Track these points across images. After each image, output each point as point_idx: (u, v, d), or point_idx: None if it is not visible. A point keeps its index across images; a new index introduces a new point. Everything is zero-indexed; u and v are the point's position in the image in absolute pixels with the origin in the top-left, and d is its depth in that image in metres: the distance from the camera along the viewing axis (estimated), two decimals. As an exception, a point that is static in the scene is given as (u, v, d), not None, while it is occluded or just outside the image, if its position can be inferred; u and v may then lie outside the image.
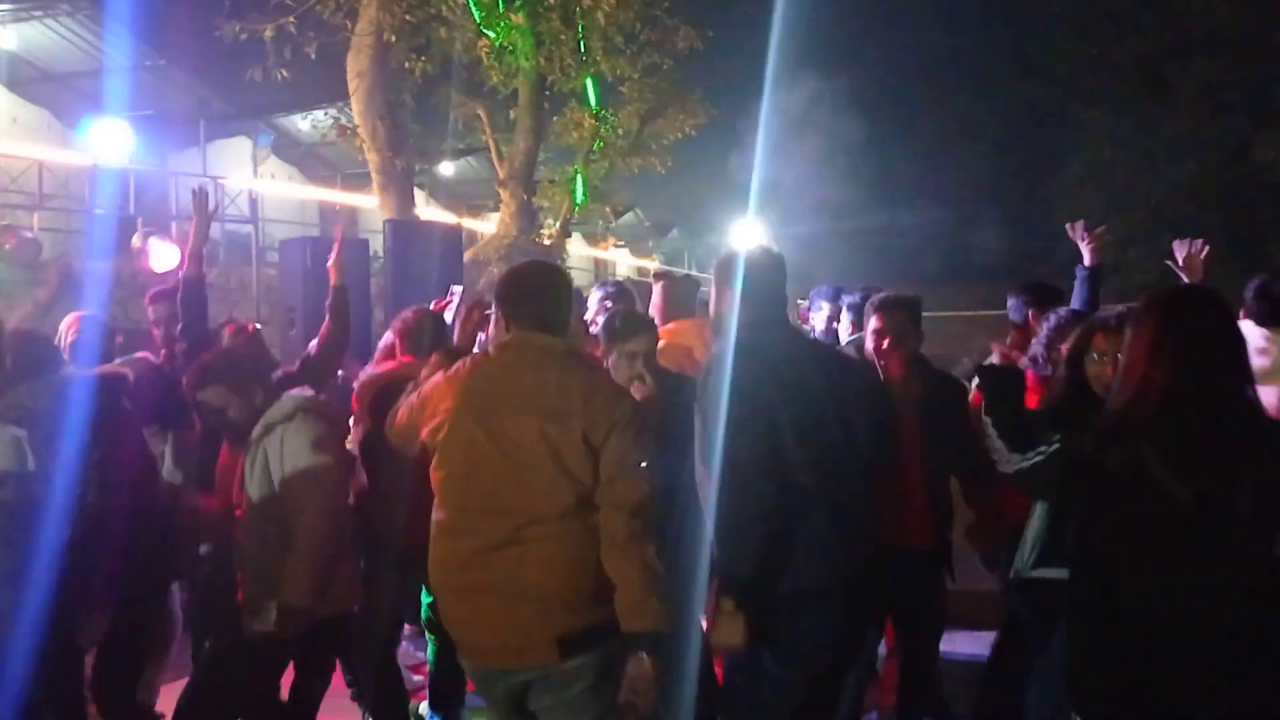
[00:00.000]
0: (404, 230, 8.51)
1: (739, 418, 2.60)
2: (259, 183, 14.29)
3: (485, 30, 12.00)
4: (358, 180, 19.68)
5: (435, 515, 2.67)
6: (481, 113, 13.71)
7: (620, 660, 2.46)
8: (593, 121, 14.06)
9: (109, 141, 8.60)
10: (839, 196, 20.56)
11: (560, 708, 2.56)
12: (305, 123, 17.18)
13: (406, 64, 11.53)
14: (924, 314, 3.75)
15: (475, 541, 2.57)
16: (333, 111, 16.66)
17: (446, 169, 20.22)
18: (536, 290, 2.74)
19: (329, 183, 19.34)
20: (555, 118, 13.97)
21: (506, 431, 2.57)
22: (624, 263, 28.58)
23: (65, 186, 11.92)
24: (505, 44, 12.28)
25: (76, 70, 14.01)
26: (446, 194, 21.28)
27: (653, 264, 30.76)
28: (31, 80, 13.84)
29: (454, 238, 8.76)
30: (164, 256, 8.69)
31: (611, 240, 26.61)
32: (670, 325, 4.40)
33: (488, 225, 22.81)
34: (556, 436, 2.54)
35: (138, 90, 14.09)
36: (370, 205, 18.57)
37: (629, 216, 28.15)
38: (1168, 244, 4.36)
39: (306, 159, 18.48)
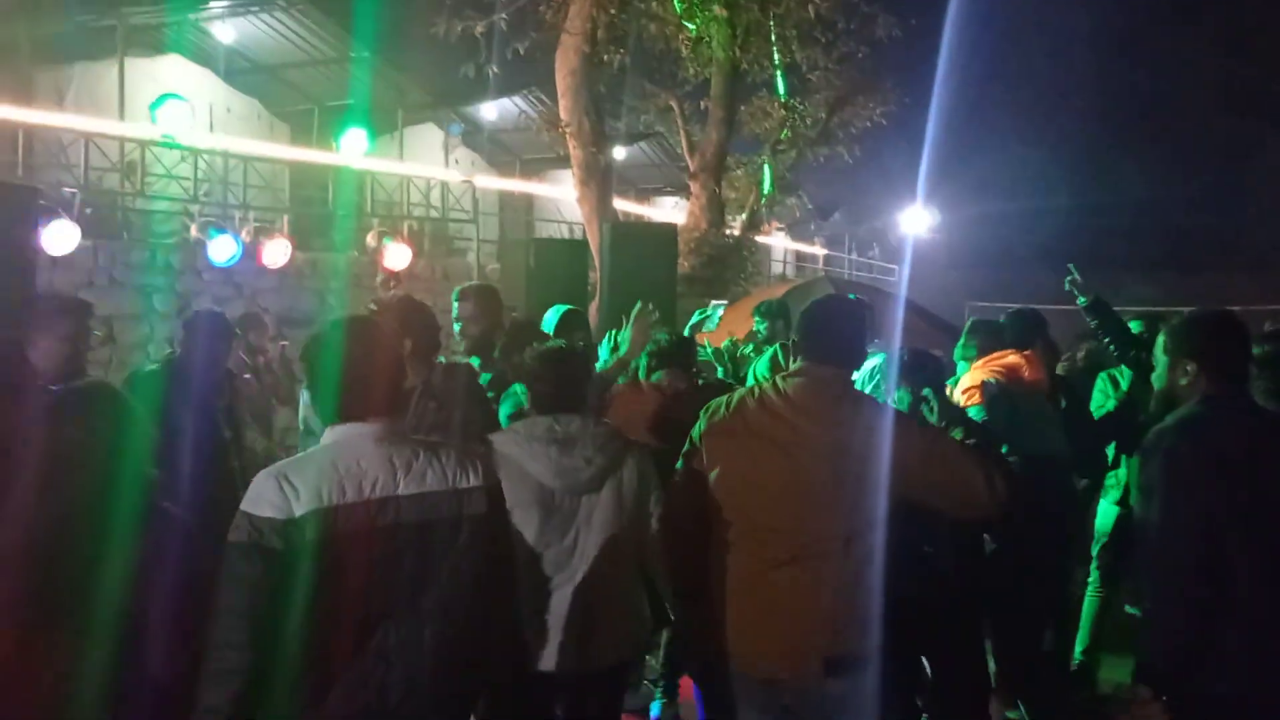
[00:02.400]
0: (623, 232, 8.55)
1: (1173, 512, 2.49)
2: (452, 173, 14.57)
3: (686, 22, 11.97)
4: (536, 166, 20.03)
5: (721, 533, 2.87)
6: (674, 104, 13.66)
7: None
8: (782, 110, 13.91)
9: (353, 147, 8.93)
10: (1029, 175, 19.85)
11: None
12: (490, 110, 17.49)
13: (605, 57, 11.61)
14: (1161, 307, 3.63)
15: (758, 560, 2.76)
16: (519, 100, 17.01)
17: (618, 153, 20.39)
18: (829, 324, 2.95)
19: (509, 168, 19.69)
20: (743, 107, 13.86)
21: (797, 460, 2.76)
22: (782, 247, 28.29)
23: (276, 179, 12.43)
24: (702, 35, 12.24)
25: (285, 62, 14.56)
26: (617, 178, 21.46)
27: (815, 249, 30.37)
28: (243, 72, 14.46)
29: (669, 238, 8.74)
30: (398, 256, 9.06)
31: (773, 224, 26.41)
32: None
33: (657, 211, 22.98)
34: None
35: (340, 80, 14.61)
36: (548, 193, 18.93)
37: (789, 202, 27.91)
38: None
39: (489, 145, 18.83)
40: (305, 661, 2.31)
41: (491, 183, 17.16)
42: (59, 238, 6.37)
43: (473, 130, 18.22)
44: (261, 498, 2.34)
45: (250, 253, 8.08)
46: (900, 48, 14.13)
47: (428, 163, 15.82)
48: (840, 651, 2.72)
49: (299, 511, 2.32)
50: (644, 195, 22.94)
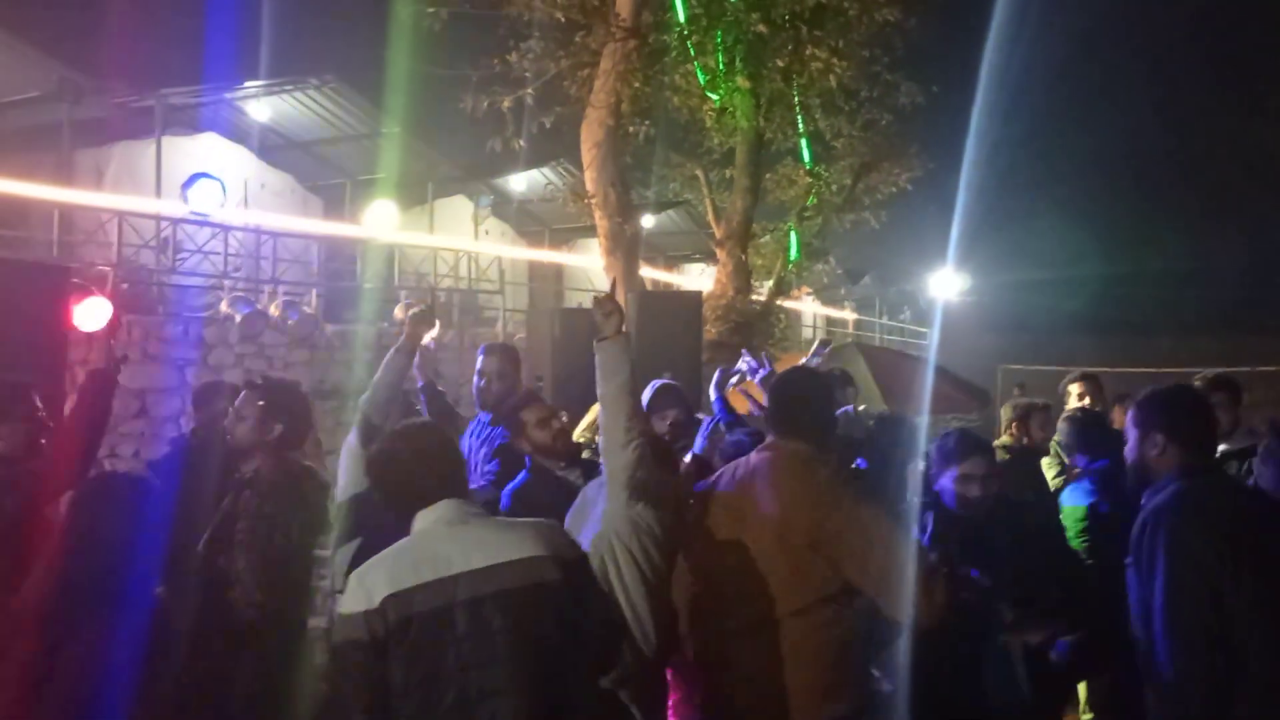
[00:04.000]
0: (650, 300, 8.59)
1: (1182, 588, 2.49)
2: (481, 245, 14.77)
3: (709, 93, 12.13)
4: (565, 235, 20.25)
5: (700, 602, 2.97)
6: (699, 172, 13.81)
7: None
8: (807, 178, 14.00)
9: (380, 220, 9.10)
10: (1062, 241, 19.82)
11: None
12: (519, 181, 17.73)
13: (630, 129, 11.77)
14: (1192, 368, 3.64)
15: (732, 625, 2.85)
16: (547, 171, 17.24)
17: (647, 222, 20.56)
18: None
19: (538, 238, 19.91)
20: (768, 175, 13.97)
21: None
22: (811, 312, 28.29)
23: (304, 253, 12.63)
24: (726, 105, 12.39)
25: (318, 138, 14.88)
26: (645, 245, 21.62)
27: (845, 314, 30.35)
28: (277, 148, 14.79)
29: (695, 305, 8.77)
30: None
31: (802, 290, 26.46)
32: None
33: (684, 278, 23.12)
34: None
35: (372, 155, 14.90)
36: (577, 262, 19.11)
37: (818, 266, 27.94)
38: None
39: (518, 215, 19.07)
40: None
41: (519, 253, 17.36)
42: (92, 314, 6.47)
43: (502, 201, 18.48)
44: (348, 597, 2.51)
45: (280, 327, 8.18)
46: (924, 114, 14.26)
47: (458, 234, 16.04)
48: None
49: (378, 599, 2.45)
50: (672, 262, 23.09)
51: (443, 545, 2.54)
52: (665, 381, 4.54)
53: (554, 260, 18.46)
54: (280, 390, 3.78)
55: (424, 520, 2.61)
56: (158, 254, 10.36)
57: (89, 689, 2.68)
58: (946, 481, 3.33)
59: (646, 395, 4.53)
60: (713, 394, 4.63)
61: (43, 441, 3.59)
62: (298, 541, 3.51)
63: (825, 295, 29.24)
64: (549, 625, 2.52)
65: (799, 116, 13.33)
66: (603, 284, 17.32)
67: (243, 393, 3.70)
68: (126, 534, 2.86)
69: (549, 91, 10.78)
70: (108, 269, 7.16)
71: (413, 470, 2.64)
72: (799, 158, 14.11)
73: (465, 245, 14.58)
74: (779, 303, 14.53)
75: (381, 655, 2.42)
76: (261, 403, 3.63)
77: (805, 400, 3.03)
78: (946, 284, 26.75)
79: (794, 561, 2.76)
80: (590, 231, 18.08)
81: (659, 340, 7.99)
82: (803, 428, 2.95)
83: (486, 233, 18.24)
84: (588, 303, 5.09)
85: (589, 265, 17.91)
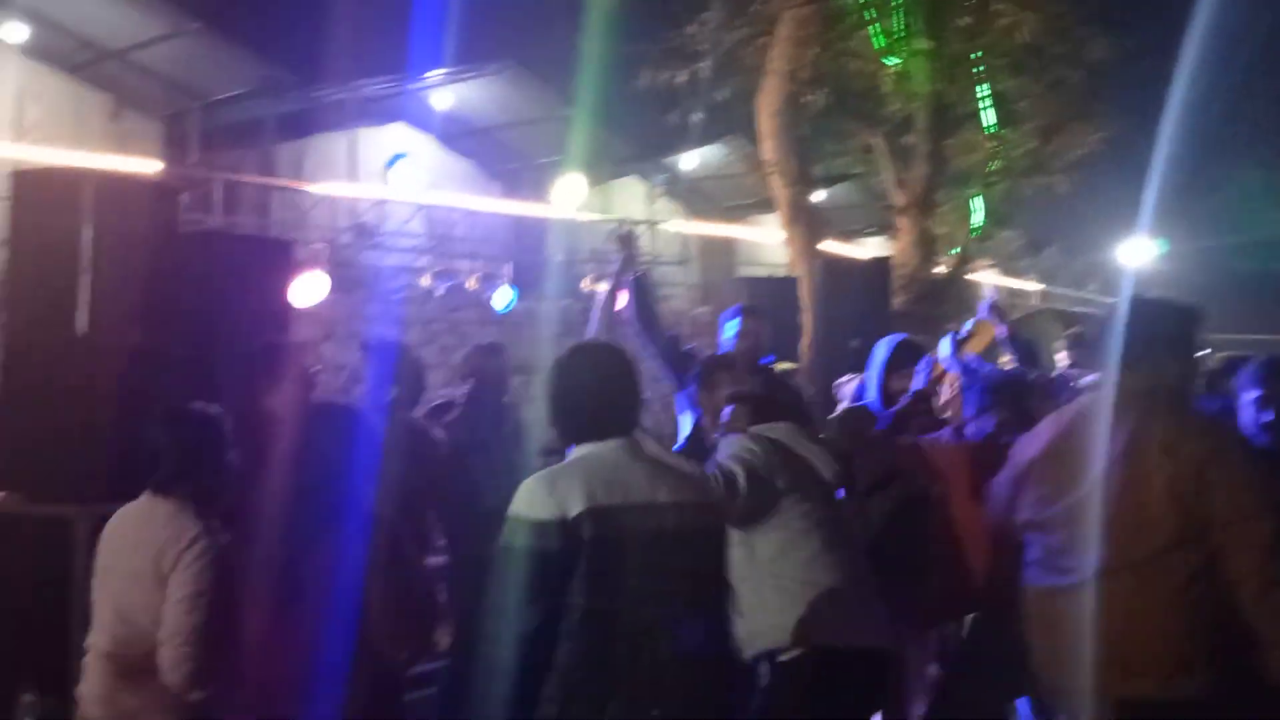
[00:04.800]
0: (837, 268, 8.47)
1: None
2: (663, 220, 14.92)
3: (887, 58, 11.84)
4: (735, 213, 20.15)
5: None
6: (877, 141, 13.49)
7: None
8: (990, 142, 13.48)
9: (569, 194, 9.34)
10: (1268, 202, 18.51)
11: None
12: (690, 160, 17.74)
13: (806, 98, 11.60)
14: None
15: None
16: (718, 148, 17.18)
17: (818, 196, 20.26)
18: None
19: (709, 216, 19.89)
20: (949, 140, 13.52)
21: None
22: (993, 283, 27.25)
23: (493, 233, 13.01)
24: (904, 70, 12.06)
25: (496, 123, 15.25)
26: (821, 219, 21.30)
27: (1029, 285, 29.13)
28: (459, 135, 15.23)
29: (883, 272, 8.60)
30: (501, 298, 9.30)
31: (983, 262, 25.53)
32: None
33: (861, 251, 22.65)
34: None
35: (548, 138, 15.17)
36: (751, 236, 19.03)
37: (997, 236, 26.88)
38: None
39: (689, 194, 19.10)
40: (585, 667, 2.40)
41: (699, 227, 17.44)
42: (311, 289, 6.87)
43: (674, 180, 18.53)
44: (535, 501, 2.46)
45: (476, 300, 8.49)
46: (1118, 69, 13.50)
47: (631, 214, 16.20)
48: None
49: (574, 511, 2.40)
50: (846, 236, 22.66)
51: (627, 473, 2.51)
52: (905, 338, 4.55)
53: (727, 236, 18.43)
54: (394, 353, 3.91)
55: (603, 447, 2.57)
56: (357, 236, 10.86)
57: (325, 605, 2.82)
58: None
59: (884, 353, 4.50)
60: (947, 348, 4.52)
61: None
62: (409, 501, 3.65)
63: (1007, 267, 28.16)
64: (715, 571, 2.56)
65: (981, 78, 12.86)
66: (774, 259, 17.20)
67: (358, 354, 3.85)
68: (349, 454, 2.98)
69: (725, 65, 10.76)
70: (323, 245, 7.58)
71: (597, 396, 2.61)
72: (981, 121, 13.62)
73: (648, 220, 14.72)
74: (963, 273, 14.09)
75: (565, 567, 2.38)
76: (375, 366, 3.75)
77: (1167, 329, 2.89)
78: (1138, 251, 25.31)
79: (1148, 505, 2.62)
80: (761, 208, 17.98)
81: (845, 308, 7.88)
82: (1162, 360, 2.81)
83: (659, 212, 18.34)
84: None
85: (761, 240, 17.86)
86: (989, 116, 13.47)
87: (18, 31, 10.05)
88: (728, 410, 3.50)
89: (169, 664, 3.03)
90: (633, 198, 17.26)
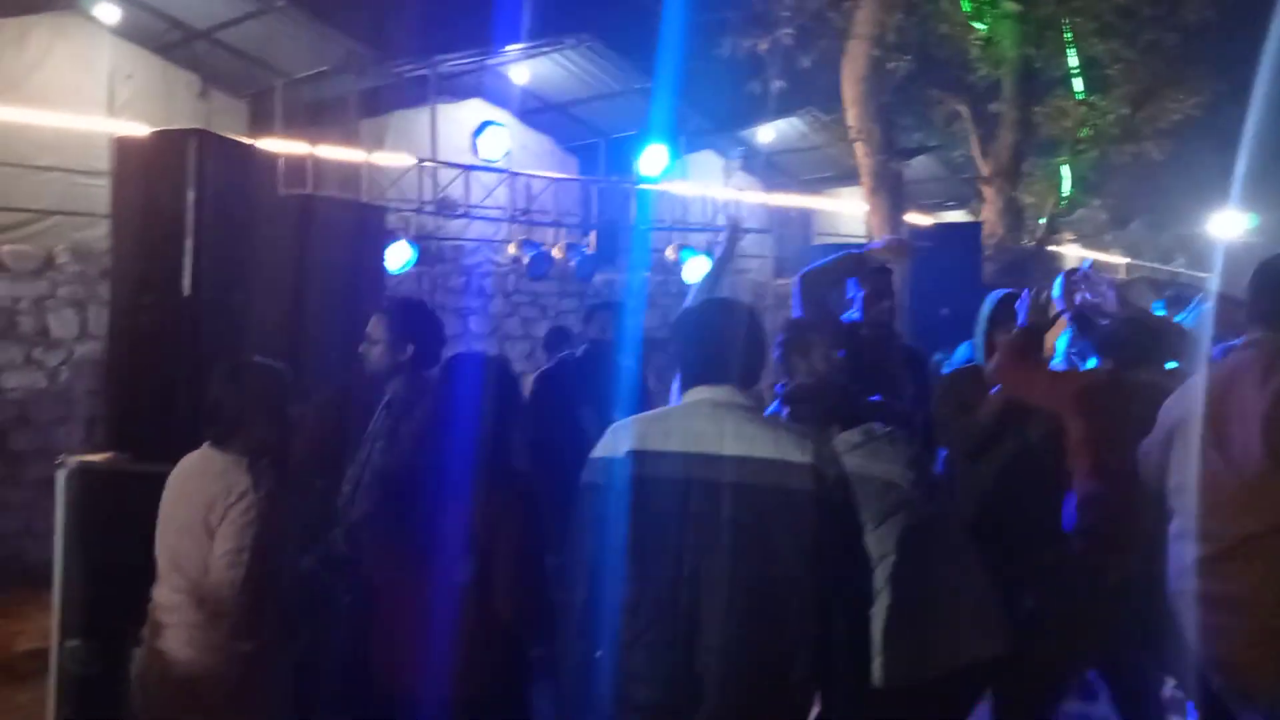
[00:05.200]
0: (925, 232, 8.29)
1: None
2: (735, 194, 14.79)
3: (974, 23, 11.56)
4: (812, 186, 19.90)
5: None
6: (962, 108, 13.19)
7: None
8: (1080, 108, 13.11)
9: (653, 163, 9.28)
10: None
11: None
12: (766, 133, 17.55)
13: (891, 65, 11.37)
14: None
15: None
16: (796, 120, 16.96)
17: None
18: None
19: (785, 189, 19.68)
20: (1037, 107, 13.17)
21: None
22: (1076, 257, 26.59)
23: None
24: (991, 35, 11.77)
25: (573, 98, 15.21)
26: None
27: (1113, 259, 28.37)
28: (535, 110, 15.23)
29: (973, 237, 8.41)
30: (696, 269, 9.22)
31: (1067, 235, 24.95)
32: None
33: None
34: None
35: (624, 112, 15.10)
36: (829, 207, 18.79)
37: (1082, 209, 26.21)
38: None
39: (765, 168, 18.90)
40: (609, 608, 2.44)
41: (777, 199, 17.28)
42: (398, 257, 6.90)
43: (750, 154, 18.35)
44: (602, 441, 2.61)
45: (562, 270, 8.47)
46: (1216, 31, 13.00)
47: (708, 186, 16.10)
48: None
49: (622, 451, 2.51)
50: (925, 210, 22.29)
51: (700, 423, 2.52)
52: (1008, 292, 4.39)
53: (803, 208, 18.23)
54: (409, 311, 3.86)
55: (695, 395, 2.59)
56: (439, 208, 10.92)
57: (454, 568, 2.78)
58: None
59: (988, 308, 4.37)
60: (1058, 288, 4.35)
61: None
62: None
63: (1090, 242, 27.46)
64: (783, 534, 2.39)
65: (1071, 42, 12.50)
66: (851, 230, 16.94)
67: (373, 318, 3.81)
68: (491, 405, 2.91)
69: (808, 30, 10.58)
70: (412, 211, 7.60)
71: (707, 343, 2.63)
72: (1071, 87, 13.24)
73: (726, 194, 14.62)
74: (1049, 245, 13.75)
75: (610, 503, 2.47)
76: (391, 325, 3.74)
77: None
78: (1229, 224, 24.47)
79: None
80: (838, 181, 17.75)
81: (936, 274, 7.72)
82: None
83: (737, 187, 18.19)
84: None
85: (839, 210, 17.66)
86: (1079, 82, 13.12)
87: (110, 13, 10.26)
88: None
89: (214, 615, 3.07)
90: (709, 172, 17.12)
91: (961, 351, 4.69)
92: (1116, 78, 13.32)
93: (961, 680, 3.10)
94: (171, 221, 4.11)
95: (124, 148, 4.51)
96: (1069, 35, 12.28)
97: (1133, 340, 3.74)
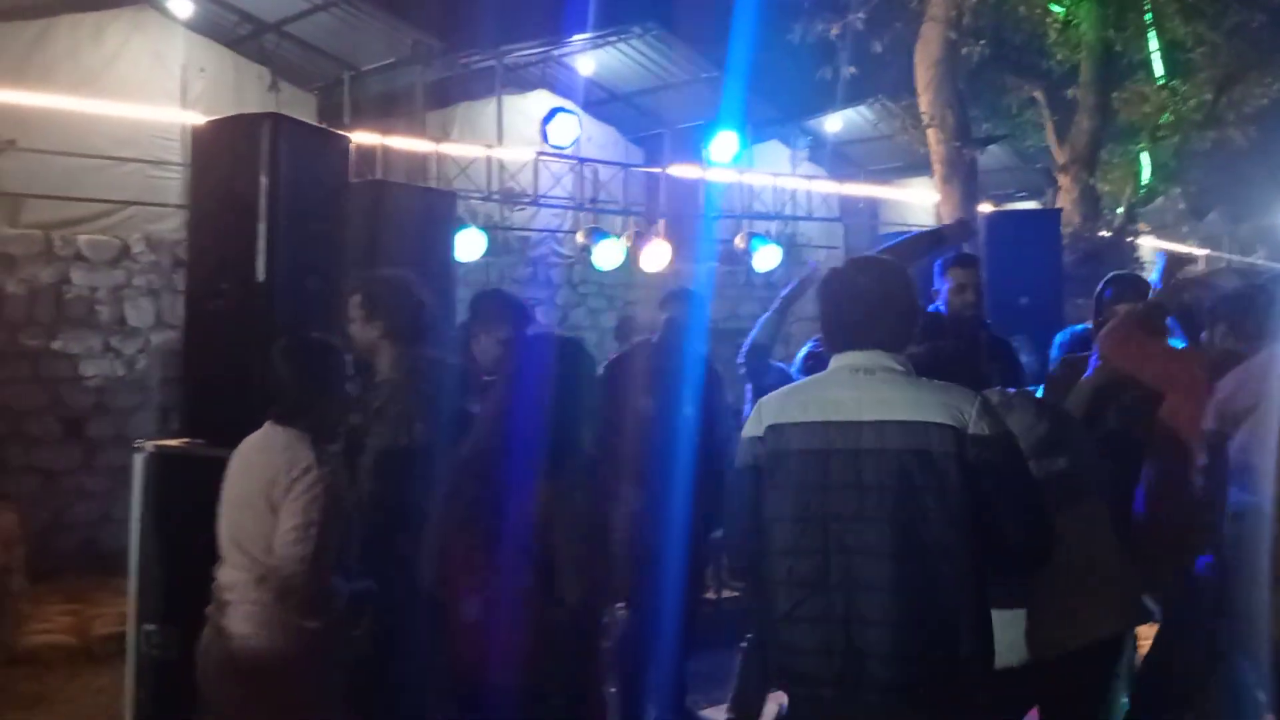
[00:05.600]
0: (1002, 221, 8.09)
1: None
2: (802, 183, 14.61)
3: (1052, 5, 11.26)
4: (879, 176, 19.60)
5: None
6: (1038, 94, 12.87)
7: None
8: (1161, 93, 12.71)
9: (722, 151, 9.18)
10: None
11: None
12: (833, 122, 17.30)
13: (966, 49, 11.12)
14: None
15: None
16: (864, 110, 16.70)
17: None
18: None
19: (852, 180, 19.41)
20: (1116, 92, 12.81)
21: None
22: (1150, 248, 25.92)
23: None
24: (1070, 17, 11.46)
25: (638, 89, 15.12)
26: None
27: (1190, 250, 27.57)
28: (600, 102, 15.16)
29: (1052, 224, 8.16)
30: (767, 258, 9.09)
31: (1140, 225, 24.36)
32: None
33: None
34: None
35: (689, 103, 14.97)
36: (898, 197, 18.49)
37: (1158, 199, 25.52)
38: None
39: (832, 158, 18.65)
40: (771, 582, 2.47)
41: (846, 189, 17.07)
42: (469, 245, 6.87)
43: (817, 144, 18.12)
44: (749, 420, 2.62)
45: (632, 259, 8.39)
46: (1305, 11, 12.52)
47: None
48: None
49: (763, 428, 2.53)
50: (996, 200, 21.88)
51: (839, 390, 2.50)
52: (1115, 274, 4.28)
53: (871, 197, 17.97)
54: (376, 285, 3.82)
55: (838, 361, 2.57)
56: (504, 202, 10.91)
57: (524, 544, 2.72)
58: None
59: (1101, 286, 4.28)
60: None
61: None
62: (420, 437, 3.51)
63: (1165, 233, 26.74)
64: (926, 495, 2.32)
65: (1152, 25, 12.14)
66: (920, 220, 16.62)
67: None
68: (564, 385, 2.86)
69: (881, 13, 10.38)
70: (486, 202, 7.58)
71: (848, 305, 2.59)
72: (1151, 72, 12.86)
73: (795, 183, 14.45)
74: (1128, 235, 13.37)
75: (759, 481, 2.50)
76: (360, 301, 3.71)
77: None
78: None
79: None
80: (906, 171, 17.44)
81: (1013, 262, 7.50)
82: None
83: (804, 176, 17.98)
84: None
85: (908, 200, 17.40)
86: (1160, 66, 12.73)
87: (183, 7, 10.39)
88: None
89: (278, 593, 3.04)
90: (776, 161, 16.93)
91: (1059, 338, 4.55)
92: (1199, 61, 12.88)
93: (1099, 654, 3.01)
94: (246, 206, 4.10)
95: (201, 134, 4.52)
96: (1150, 17, 11.92)
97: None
